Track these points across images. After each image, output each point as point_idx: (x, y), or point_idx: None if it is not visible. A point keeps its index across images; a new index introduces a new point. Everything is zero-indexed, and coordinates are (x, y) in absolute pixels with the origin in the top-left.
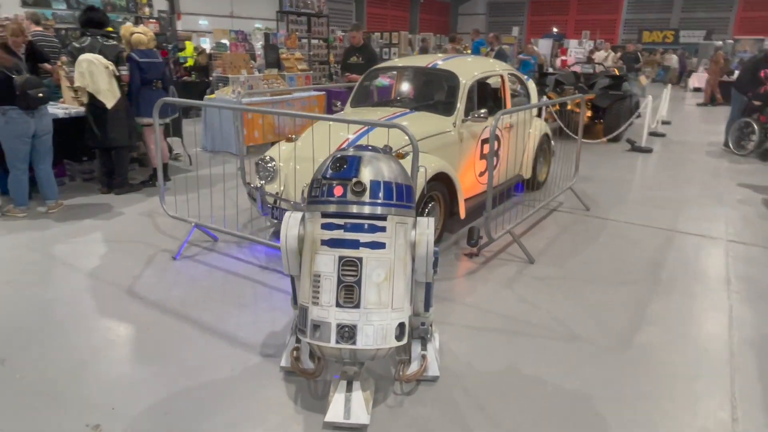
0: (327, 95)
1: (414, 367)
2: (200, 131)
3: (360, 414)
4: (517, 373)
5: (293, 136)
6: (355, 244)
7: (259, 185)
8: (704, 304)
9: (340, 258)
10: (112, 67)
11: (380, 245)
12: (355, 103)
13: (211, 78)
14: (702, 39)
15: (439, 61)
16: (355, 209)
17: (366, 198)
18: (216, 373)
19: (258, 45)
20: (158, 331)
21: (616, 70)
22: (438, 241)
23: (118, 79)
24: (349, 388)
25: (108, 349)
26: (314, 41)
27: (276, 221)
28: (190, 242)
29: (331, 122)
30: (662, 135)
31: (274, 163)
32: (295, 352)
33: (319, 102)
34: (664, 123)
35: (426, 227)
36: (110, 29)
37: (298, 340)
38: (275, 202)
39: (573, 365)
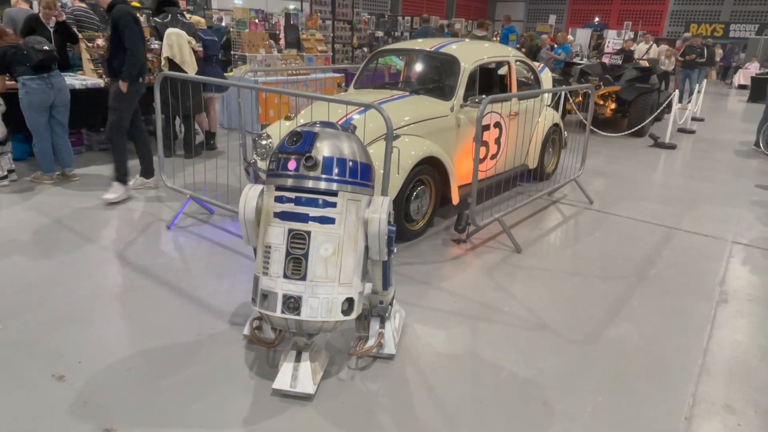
0: (346, 77)
1: (369, 343)
2: (218, 108)
3: (306, 384)
4: (475, 358)
5: (291, 114)
6: (304, 218)
7: (252, 161)
8: (687, 303)
9: (290, 231)
10: (193, 42)
11: (329, 220)
12: (358, 85)
13: (233, 56)
14: (753, 33)
15: (444, 44)
16: (305, 183)
17: (318, 173)
18: (182, 337)
19: (283, 25)
20: (137, 295)
21: (645, 62)
22: (428, 225)
23: (195, 54)
24: (297, 358)
25: (87, 307)
26: (338, 23)
27: None
28: (188, 214)
29: (329, 102)
30: (692, 132)
31: (270, 140)
32: (256, 322)
33: (338, 83)
34: (696, 120)
35: (380, 206)
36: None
37: None
38: None
39: (534, 354)
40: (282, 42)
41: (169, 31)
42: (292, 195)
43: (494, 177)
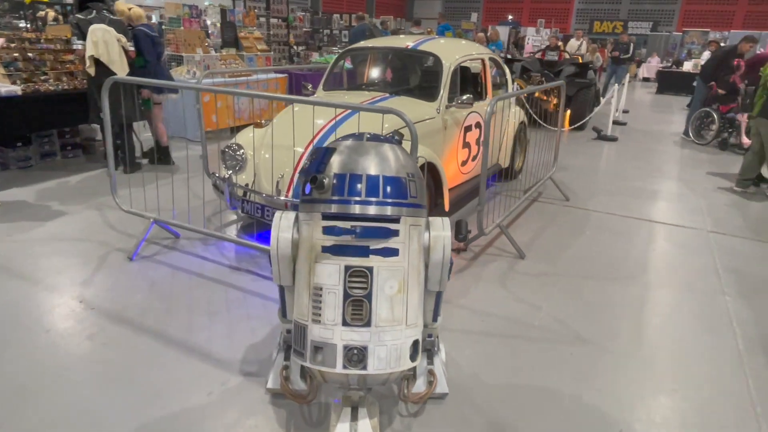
0: (289, 78)
1: (421, 385)
2: None
3: None
4: (529, 385)
5: (262, 121)
6: (364, 252)
7: (226, 176)
8: (699, 301)
9: (347, 268)
10: (124, 40)
11: (393, 252)
12: (328, 87)
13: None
14: (649, 30)
15: (418, 42)
16: (358, 210)
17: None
18: (190, 398)
19: (210, 22)
20: (115, 347)
21: (579, 58)
22: None
23: (126, 54)
24: (354, 416)
25: (55, 371)
26: (273, 20)
27: (246, 215)
28: (149, 240)
29: (310, 106)
30: (623, 124)
31: (243, 151)
32: (284, 372)
33: (281, 85)
34: (624, 112)
35: (441, 228)
36: None
37: (287, 358)
38: (245, 194)
39: (586, 373)
40: (213, 40)
41: (94, 27)
42: (348, 225)
43: (475, 179)
